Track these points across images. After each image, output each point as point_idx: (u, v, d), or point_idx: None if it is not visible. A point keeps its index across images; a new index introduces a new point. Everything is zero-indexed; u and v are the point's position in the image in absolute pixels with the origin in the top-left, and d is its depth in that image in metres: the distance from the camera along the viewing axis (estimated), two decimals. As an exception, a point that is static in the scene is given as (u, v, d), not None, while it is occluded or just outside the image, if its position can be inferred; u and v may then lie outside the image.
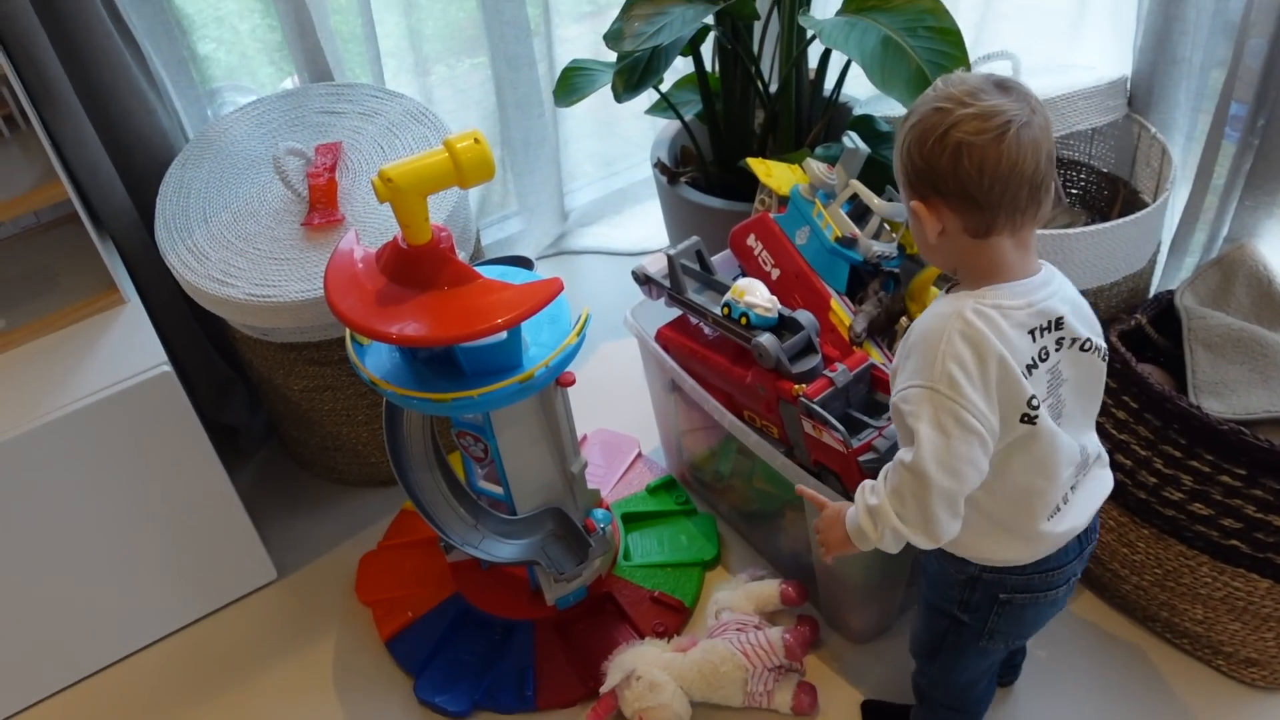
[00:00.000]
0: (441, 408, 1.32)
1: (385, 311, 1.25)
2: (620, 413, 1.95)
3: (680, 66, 2.03)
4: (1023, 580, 1.15)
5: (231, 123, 1.77)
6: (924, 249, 1.08)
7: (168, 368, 1.48)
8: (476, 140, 1.21)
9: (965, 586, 1.17)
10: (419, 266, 1.26)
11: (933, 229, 1.03)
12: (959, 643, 1.24)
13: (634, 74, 1.70)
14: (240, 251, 1.60)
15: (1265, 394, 1.46)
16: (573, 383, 1.46)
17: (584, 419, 1.94)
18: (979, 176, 0.98)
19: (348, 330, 1.38)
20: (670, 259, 1.55)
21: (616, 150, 2.34)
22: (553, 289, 1.27)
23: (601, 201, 2.39)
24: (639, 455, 1.89)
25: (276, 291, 1.55)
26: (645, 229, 2.32)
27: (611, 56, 1.76)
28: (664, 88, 1.94)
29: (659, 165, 1.96)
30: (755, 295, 1.44)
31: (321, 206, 1.62)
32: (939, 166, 0.99)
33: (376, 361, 1.37)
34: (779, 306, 1.45)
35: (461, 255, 1.38)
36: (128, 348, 1.51)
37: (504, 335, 1.30)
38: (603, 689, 1.49)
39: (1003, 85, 0.99)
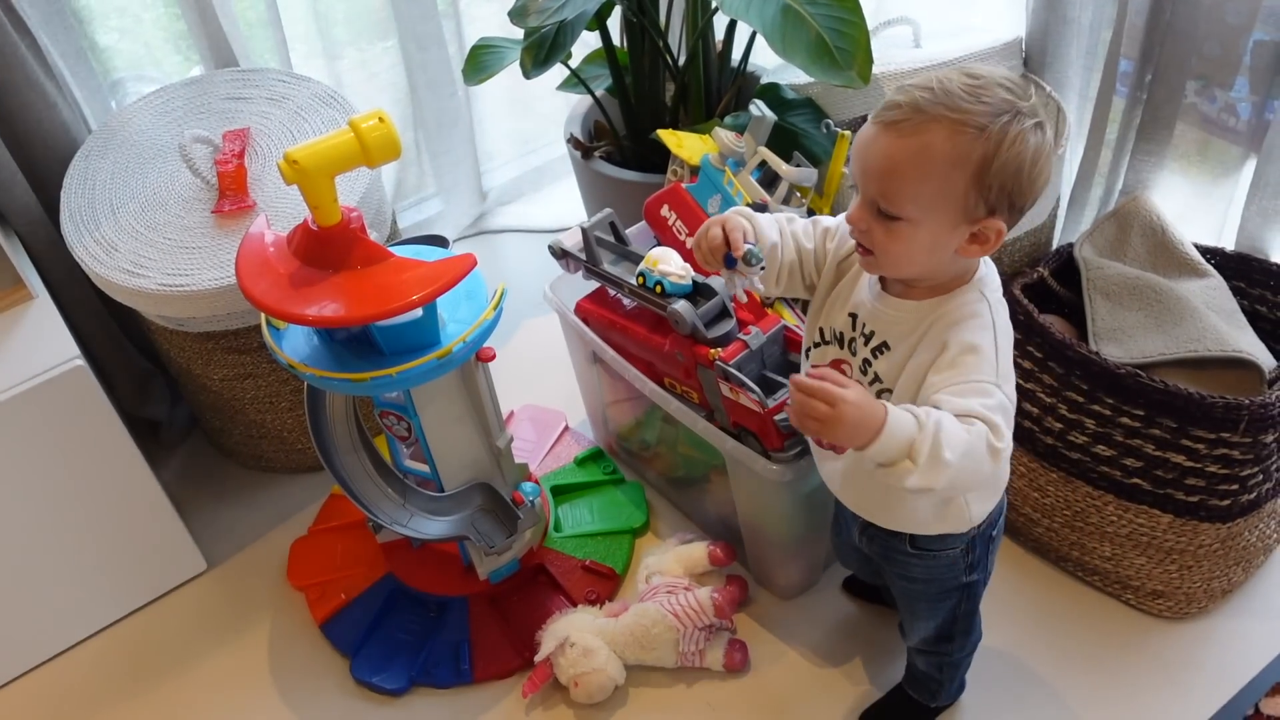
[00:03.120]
0: (360, 387, 1.32)
1: (299, 294, 1.25)
2: (546, 387, 1.97)
3: (592, 41, 2.04)
4: (998, 507, 1.21)
5: (135, 112, 1.74)
6: (917, 262, 1.03)
7: (81, 362, 1.46)
8: (381, 119, 1.21)
9: (966, 551, 1.21)
10: (330, 247, 1.26)
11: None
12: (971, 601, 1.28)
13: (541, 50, 1.71)
14: (150, 242, 1.58)
15: (1160, 338, 1.53)
16: (493, 358, 1.47)
17: (511, 395, 1.96)
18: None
19: (263, 315, 1.38)
20: (584, 232, 1.57)
21: (533, 128, 2.34)
22: (466, 264, 1.28)
23: (520, 180, 2.40)
24: (566, 428, 1.91)
25: (189, 280, 1.54)
26: (564, 205, 2.33)
27: (520, 34, 1.76)
28: (574, 63, 1.95)
29: (572, 140, 1.97)
30: (669, 264, 1.47)
31: (231, 193, 1.60)
32: (1039, 184, 1.00)
33: (294, 345, 1.37)
34: (692, 274, 1.47)
35: (377, 237, 1.39)
36: (38, 344, 1.49)
37: (420, 313, 1.31)
38: (537, 658, 1.51)
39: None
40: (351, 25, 2.05)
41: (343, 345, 1.36)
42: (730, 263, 1.02)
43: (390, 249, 1.33)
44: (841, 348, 1.14)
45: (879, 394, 1.09)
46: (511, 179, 2.39)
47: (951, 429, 0.97)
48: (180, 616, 1.70)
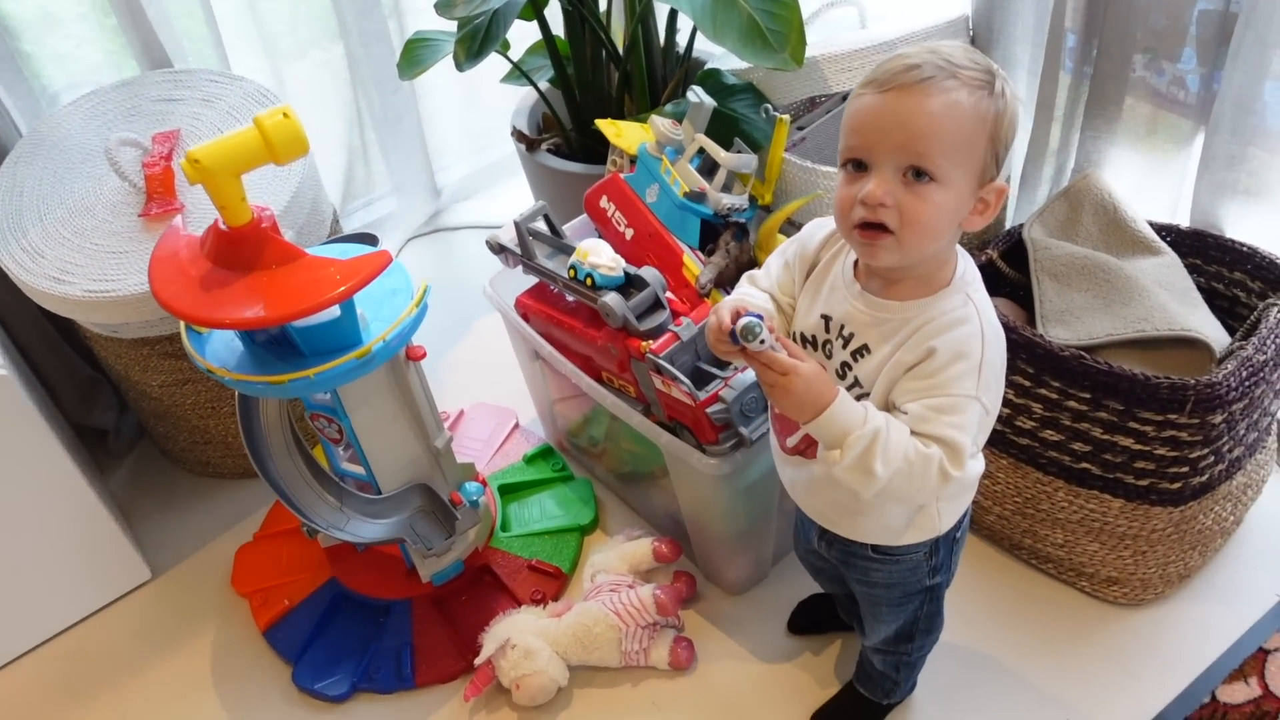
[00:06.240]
0: (279, 390, 1.29)
1: (209, 297, 1.22)
2: (499, 385, 1.93)
3: (535, 32, 2.00)
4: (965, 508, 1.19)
5: (65, 116, 1.71)
6: (940, 234, 0.97)
7: (4, 371, 1.44)
8: (285, 115, 1.18)
9: (930, 554, 1.18)
10: (241, 248, 1.23)
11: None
12: (935, 602, 1.25)
13: (474, 41, 1.67)
14: (77, 248, 1.55)
15: (1108, 319, 1.49)
16: (422, 356, 1.44)
17: (462, 393, 1.94)
18: None
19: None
20: (517, 225, 1.54)
21: (484, 124, 2.30)
22: (381, 261, 1.25)
23: (474, 176, 2.36)
24: (516, 426, 1.88)
25: (116, 286, 1.51)
26: (521, 201, 2.28)
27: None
28: (518, 55, 1.92)
29: (515, 134, 1.94)
30: (599, 255, 1.44)
31: (159, 196, 1.58)
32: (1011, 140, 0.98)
33: (215, 349, 1.34)
34: (624, 265, 1.44)
35: (315, 237, 1.35)
36: (-39, 354, 1.47)
37: (337, 312, 1.28)
38: (478, 661, 1.48)
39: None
40: (292, 22, 2.02)
41: (264, 348, 1.33)
42: (735, 340, 0.98)
43: (313, 248, 1.31)
44: (816, 350, 1.09)
45: (858, 398, 1.04)
46: (465, 175, 2.35)
47: (895, 443, 0.96)
48: (122, 627, 1.67)
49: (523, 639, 1.47)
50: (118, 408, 1.92)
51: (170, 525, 1.82)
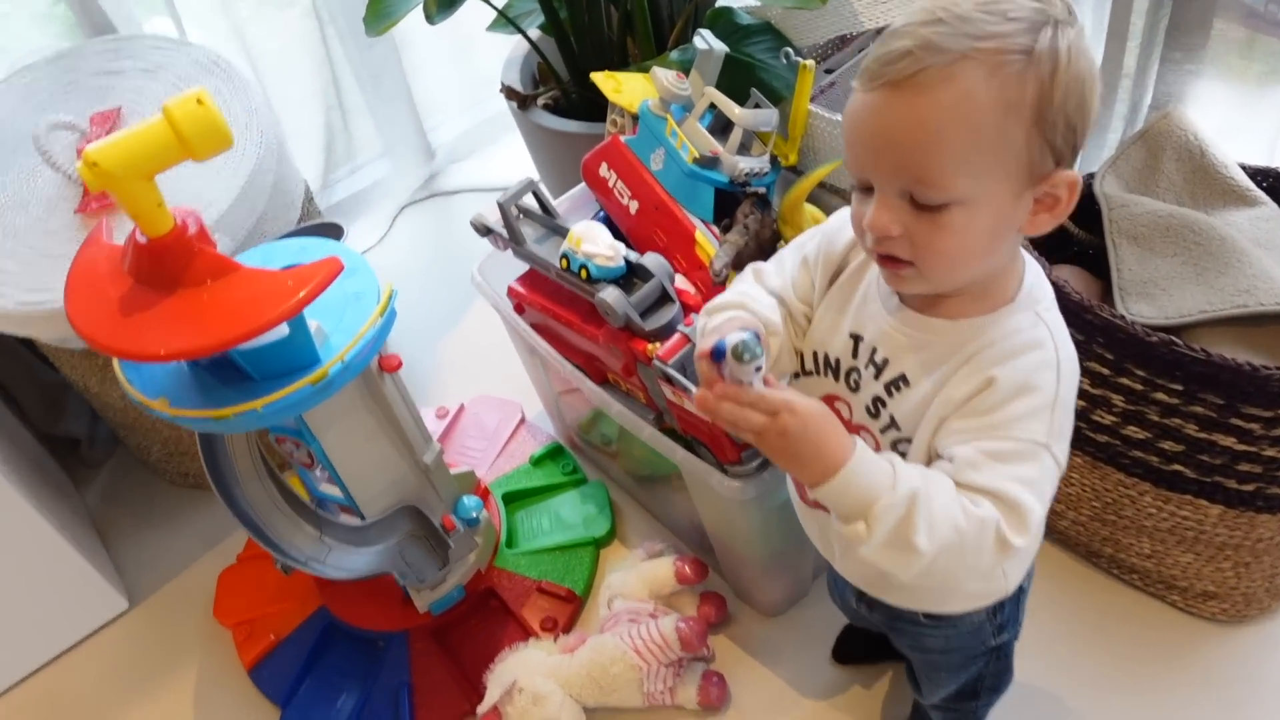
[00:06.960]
0: (224, 425, 1.10)
1: (130, 322, 1.03)
2: (503, 375, 1.74)
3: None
4: None
5: (-5, 98, 1.52)
6: (977, 259, 0.76)
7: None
8: (200, 101, 0.97)
9: (994, 614, 0.97)
10: (164, 262, 1.03)
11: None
12: (1003, 660, 1.06)
13: (447, -11, 1.45)
14: (10, 252, 1.37)
15: (1200, 291, 1.26)
16: (398, 367, 1.25)
17: (464, 384, 1.76)
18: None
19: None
20: (502, 207, 1.33)
21: (479, 77, 2.07)
22: (330, 271, 1.05)
23: (472, 134, 2.15)
24: (522, 421, 1.69)
25: (51, 296, 1.32)
26: (523, 160, 2.08)
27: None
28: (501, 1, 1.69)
29: (506, 90, 1.72)
30: (594, 243, 1.22)
31: (97, 189, 1.38)
32: (1096, 108, 0.77)
33: (152, 376, 1.15)
34: (624, 252, 1.23)
35: (284, 223, 1.16)
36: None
37: (285, 330, 1.09)
38: (481, 708, 1.31)
39: None
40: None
41: (208, 372, 1.14)
42: (718, 356, 0.73)
43: (263, 245, 1.11)
44: (838, 380, 0.87)
45: (895, 444, 0.82)
46: (461, 133, 2.14)
47: (941, 506, 0.73)
48: (97, 666, 1.52)
49: (531, 681, 1.30)
50: (90, 414, 1.76)
51: (150, 543, 1.66)
